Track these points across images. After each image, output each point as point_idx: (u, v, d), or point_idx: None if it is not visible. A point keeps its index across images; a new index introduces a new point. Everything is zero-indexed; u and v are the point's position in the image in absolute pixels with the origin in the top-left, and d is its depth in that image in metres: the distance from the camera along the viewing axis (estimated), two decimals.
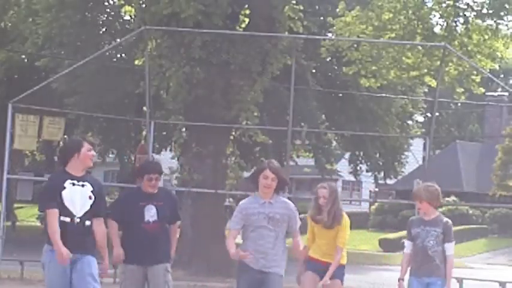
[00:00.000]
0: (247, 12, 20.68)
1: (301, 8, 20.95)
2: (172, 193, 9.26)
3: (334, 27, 21.40)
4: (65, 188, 7.45)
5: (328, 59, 31.97)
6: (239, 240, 8.06)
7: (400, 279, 8.60)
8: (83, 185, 7.58)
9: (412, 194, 8.96)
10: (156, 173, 8.52)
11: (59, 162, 7.89)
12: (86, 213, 7.55)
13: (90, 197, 7.57)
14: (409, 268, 8.63)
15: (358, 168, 39.67)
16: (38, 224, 50.38)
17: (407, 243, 8.68)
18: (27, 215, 57.42)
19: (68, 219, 7.45)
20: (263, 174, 7.83)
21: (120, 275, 8.74)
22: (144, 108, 22.00)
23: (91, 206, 7.57)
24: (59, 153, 8.08)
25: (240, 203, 8.04)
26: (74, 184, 7.52)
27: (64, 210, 7.43)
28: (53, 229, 7.34)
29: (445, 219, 8.61)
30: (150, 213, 8.42)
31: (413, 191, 8.95)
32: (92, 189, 7.62)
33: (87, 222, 7.56)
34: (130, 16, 26.90)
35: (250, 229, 7.78)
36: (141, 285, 8.49)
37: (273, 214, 7.76)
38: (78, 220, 7.48)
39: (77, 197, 7.50)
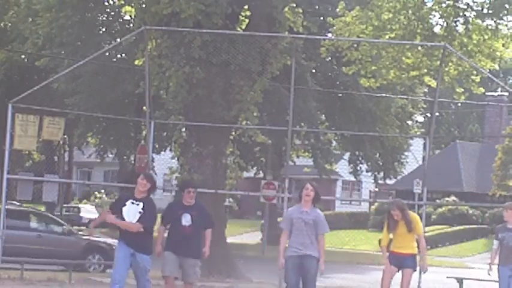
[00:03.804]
0: (247, 12, 20.68)
1: (301, 10, 20.92)
2: (205, 207, 12.07)
3: (334, 27, 21.40)
4: (125, 205, 10.90)
5: (328, 59, 32.00)
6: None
7: (490, 264, 13.35)
8: (137, 204, 10.88)
9: (506, 208, 13.27)
10: (193, 187, 11.65)
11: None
12: (135, 222, 10.81)
13: (139, 212, 10.83)
14: (496, 258, 13.13)
15: (358, 168, 39.67)
16: None
17: (495, 242, 13.18)
18: None
19: None
20: (305, 187, 11.03)
21: (162, 261, 11.48)
22: (144, 108, 22.00)
23: (139, 218, 10.79)
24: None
25: (288, 210, 11.55)
26: (132, 203, 10.91)
27: (122, 219, 10.84)
28: (113, 220, 10.92)
29: None
30: (186, 219, 11.42)
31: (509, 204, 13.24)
32: (142, 207, 10.85)
33: None
34: (130, 16, 26.91)
35: (294, 229, 10.92)
36: (177, 266, 11.43)
37: (307, 220, 10.88)
38: None
39: (131, 212, 10.84)
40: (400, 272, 12.22)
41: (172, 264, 11.42)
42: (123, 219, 10.86)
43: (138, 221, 10.80)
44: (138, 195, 10.97)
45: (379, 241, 13.57)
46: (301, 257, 10.85)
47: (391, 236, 12.65)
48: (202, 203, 11.99)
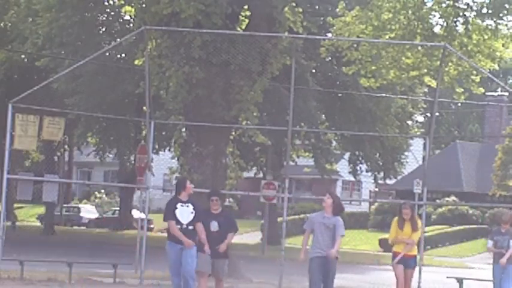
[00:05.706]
0: (247, 12, 20.68)
1: (301, 10, 20.91)
2: (230, 214, 14.50)
3: (334, 27, 21.40)
4: (176, 208, 12.75)
5: (328, 59, 31.99)
6: None
7: (497, 253, 14.60)
8: (187, 206, 12.81)
9: (499, 217, 15.28)
10: (216, 196, 13.56)
11: (175, 192, 13.03)
12: (189, 222, 12.75)
13: (192, 212, 12.79)
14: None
15: (358, 168, 39.66)
16: (38, 224, 50.44)
17: (489, 242, 14.85)
18: (27, 215, 57.43)
19: (179, 226, 12.70)
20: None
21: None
22: (144, 108, 21.99)
23: (193, 217, 12.76)
24: (175, 187, 13.20)
25: (311, 215, 13.41)
26: (182, 205, 12.79)
27: (177, 221, 12.72)
28: (176, 232, 12.69)
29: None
30: (214, 226, 13.29)
31: (504, 217, 14.82)
32: (193, 207, 12.84)
33: (190, 227, 12.73)
34: (130, 16, 26.90)
35: (317, 232, 12.55)
36: (209, 264, 13.21)
37: (328, 224, 12.50)
38: (185, 226, 12.71)
39: (184, 213, 12.74)
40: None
41: (204, 263, 13.11)
42: (178, 220, 12.64)
43: (192, 220, 12.67)
44: (183, 198, 12.84)
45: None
46: (325, 258, 12.41)
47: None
48: (227, 212, 14.13)
